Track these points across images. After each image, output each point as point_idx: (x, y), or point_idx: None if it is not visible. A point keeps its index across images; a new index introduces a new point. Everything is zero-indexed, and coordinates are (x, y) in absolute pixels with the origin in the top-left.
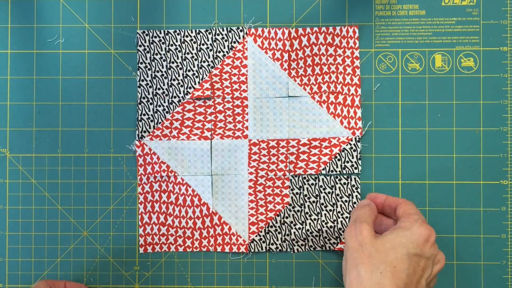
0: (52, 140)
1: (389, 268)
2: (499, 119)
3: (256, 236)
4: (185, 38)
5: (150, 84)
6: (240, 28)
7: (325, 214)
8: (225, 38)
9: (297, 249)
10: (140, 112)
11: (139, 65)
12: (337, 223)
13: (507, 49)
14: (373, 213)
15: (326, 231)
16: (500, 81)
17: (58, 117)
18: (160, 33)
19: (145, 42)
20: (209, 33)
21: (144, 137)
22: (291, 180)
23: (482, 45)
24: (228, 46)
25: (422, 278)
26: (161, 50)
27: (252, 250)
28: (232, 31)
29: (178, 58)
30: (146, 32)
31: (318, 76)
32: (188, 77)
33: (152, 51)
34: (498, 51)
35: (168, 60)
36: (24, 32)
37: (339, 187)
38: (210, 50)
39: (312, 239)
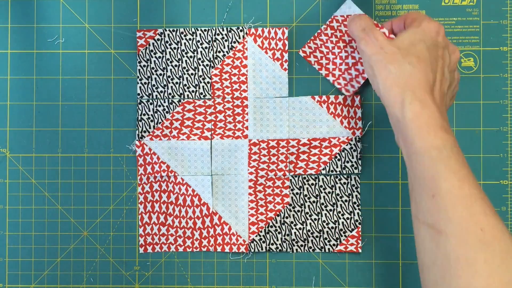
0: (52, 140)
1: (414, 59)
2: (499, 119)
3: (256, 236)
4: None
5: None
6: (240, 28)
7: (325, 214)
8: (225, 38)
9: (297, 250)
10: (140, 112)
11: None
12: (338, 223)
13: (507, 49)
14: (371, 21)
15: (327, 231)
16: (500, 81)
17: (58, 117)
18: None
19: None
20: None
21: (144, 137)
22: (291, 180)
23: (482, 45)
24: (228, 46)
25: (444, 65)
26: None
27: (252, 250)
28: (232, 31)
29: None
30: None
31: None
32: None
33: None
34: (498, 51)
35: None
36: (24, 32)
37: (339, 187)
38: (210, 50)
39: (312, 240)
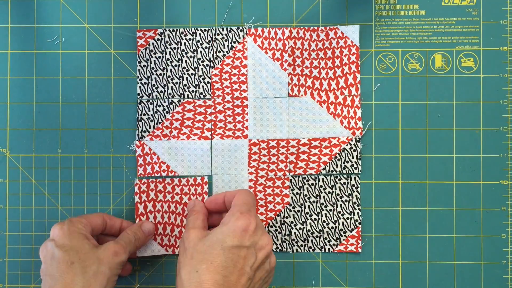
0: (52, 140)
1: (205, 265)
2: (499, 119)
3: None
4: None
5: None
6: (240, 28)
7: (325, 214)
8: (225, 38)
9: (297, 250)
10: (140, 112)
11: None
12: (338, 223)
13: (507, 49)
14: (201, 213)
15: (327, 231)
16: (500, 81)
17: (58, 117)
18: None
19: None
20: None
21: (144, 137)
22: (291, 180)
23: (482, 45)
24: (228, 46)
25: (245, 266)
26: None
27: None
28: (232, 31)
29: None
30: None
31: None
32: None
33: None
34: (498, 51)
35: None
36: (24, 32)
37: (339, 187)
38: (210, 50)
39: (312, 240)
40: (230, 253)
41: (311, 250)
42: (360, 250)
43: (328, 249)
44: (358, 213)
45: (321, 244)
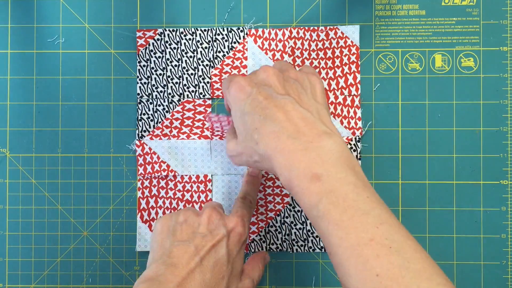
0: (52, 140)
1: (242, 127)
2: (499, 119)
3: (256, 236)
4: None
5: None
6: (241, 28)
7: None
8: (225, 38)
9: (296, 249)
10: (140, 111)
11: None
12: None
13: (507, 49)
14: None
15: None
16: (500, 81)
17: (58, 117)
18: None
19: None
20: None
21: (144, 136)
22: None
23: (482, 45)
24: (228, 46)
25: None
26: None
27: (252, 250)
28: (232, 31)
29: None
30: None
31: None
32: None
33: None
34: (498, 51)
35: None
36: (24, 32)
37: None
38: (210, 50)
39: (312, 240)
40: (252, 110)
41: (311, 250)
42: None
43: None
44: None
45: (321, 244)
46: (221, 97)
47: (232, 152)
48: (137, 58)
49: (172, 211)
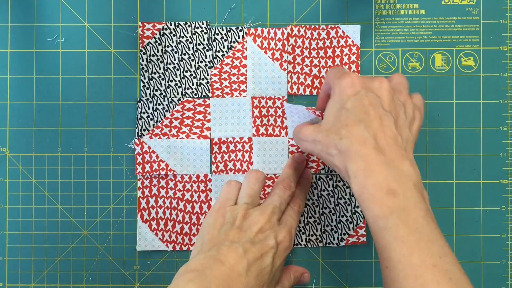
0: (52, 139)
1: (343, 130)
2: (499, 119)
3: None
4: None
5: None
6: (240, 27)
7: (325, 215)
8: (225, 37)
9: (298, 244)
10: (139, 110)
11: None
12: (339, 223)
13: (507, 48)
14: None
15: (327, 232)
16: (500, 80)
17: (58, 116)
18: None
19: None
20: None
21: (144, 135)
22: None
23: (482, 44)
24: (227, 46)
25: (376, 109)
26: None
27: None
28: (232, 31)
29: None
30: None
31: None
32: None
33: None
34: (498, 50)
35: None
36: (24, 31)
37: (339, 189)
38: (209, 50)
39: (320, 234)
40: (357, 107)
41: (319, 243)
42: (365, 240)
43: (336, 243)
44: (358, 214)
45: (329, 239)
46: (220, 96)
47: (307, 137)
48: (137, 57)
49: (172, 210)
